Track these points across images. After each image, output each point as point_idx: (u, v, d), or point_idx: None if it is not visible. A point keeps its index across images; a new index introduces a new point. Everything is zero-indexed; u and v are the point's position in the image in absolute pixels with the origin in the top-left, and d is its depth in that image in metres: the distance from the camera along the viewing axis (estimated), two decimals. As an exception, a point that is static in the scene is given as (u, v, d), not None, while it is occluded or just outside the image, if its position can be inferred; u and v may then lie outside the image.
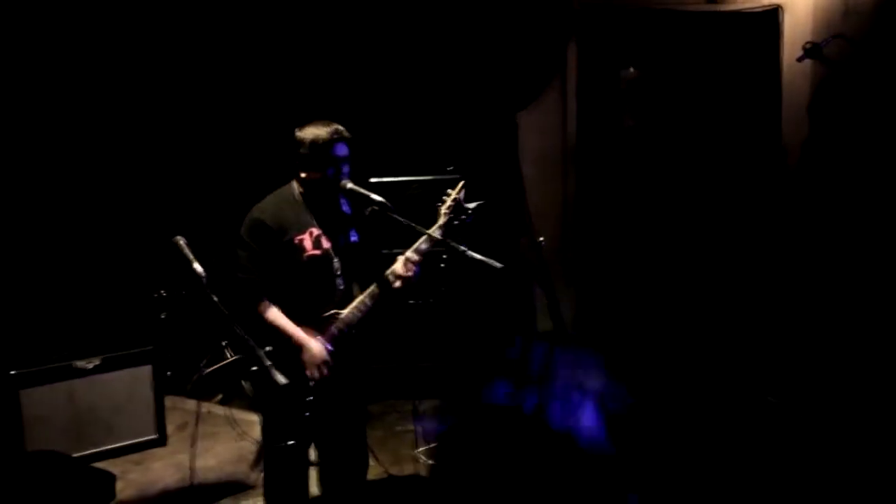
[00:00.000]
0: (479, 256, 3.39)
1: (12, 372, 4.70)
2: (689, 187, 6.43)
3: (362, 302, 3.64)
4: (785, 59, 6.13)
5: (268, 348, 3.26)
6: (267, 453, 3.85)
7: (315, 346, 3.58)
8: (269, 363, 2.78)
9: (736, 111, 6.35)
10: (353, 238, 3.76)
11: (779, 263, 6.11)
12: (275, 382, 2.75)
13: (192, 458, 3.97)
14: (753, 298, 6.19)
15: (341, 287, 3.69)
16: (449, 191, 3.69)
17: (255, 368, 2.87)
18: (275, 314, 3.58)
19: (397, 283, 3.62)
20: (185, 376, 6.05)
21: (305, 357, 3.57)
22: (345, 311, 3.64)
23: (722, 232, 6.37)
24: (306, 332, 3.60)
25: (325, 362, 3.58)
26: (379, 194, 3.56)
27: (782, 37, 6.13)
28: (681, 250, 6.46)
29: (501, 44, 6.29)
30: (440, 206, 3.67)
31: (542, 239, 6.02)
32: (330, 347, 3.60)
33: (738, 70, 6.33)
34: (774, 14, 6.16)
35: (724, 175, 6.38)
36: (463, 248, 3.46)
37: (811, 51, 5.37)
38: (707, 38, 6.35)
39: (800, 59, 5.49)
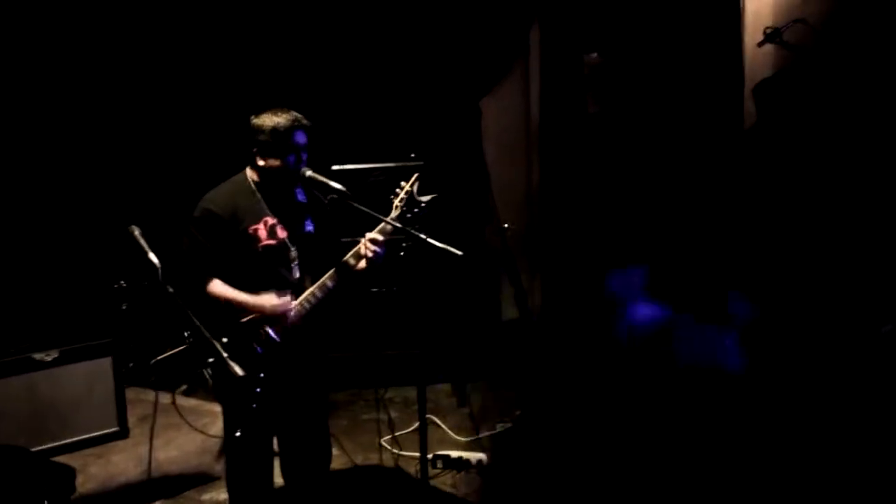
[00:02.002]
0: (439, 244, 3.37)
1: (-31, 366, 4.63)
2: (653, 173, 6.44)
3: (312, 294, 3.60)
4: (747, 44, 6.13)
5: (224, 339, 3.23)
6: (227, 445, 3.82)
7: (269, 299, 3.55)
8: (225, 355, 2.74)
9: (699, 96, 6.36)
10: (309, 227, 3.73)
11: (745, 245, 6.12)
12: (232, 374, 2.71)
13: (151, 450, 3.92)
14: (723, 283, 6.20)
15: (297, 276, 3.67)
16: (402, 183, 3.67)
17: (211, 360, 2.84)
18: (221, 288, 3.56)
19: (361, 264, 3.58)
20: (147, 368, 5.99)
21: (267, 313, 3.54)
22: (295, 303, 3.60)
23: (687, 217, 6.38)
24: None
25: (284, 308, 3.56)
26: (340, 182, 3.53)
27: (744, 21, 6.14)
28: (646, 234, 6.46)
29: (463, 28, 6.26)
30: (393, 198, 3.65)
31: (506, 226, 6.02)
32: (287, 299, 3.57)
33: (701, 55, 6.33)
34: (736, -1, 6.17)
35: (687, 160, 6.38)
36: (423, 235, 3.44)
37: (772, 35, 5.38)
38: (670, 22, 6.35)
39: (760, 44, 5.50)
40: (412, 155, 5.13)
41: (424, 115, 6.29)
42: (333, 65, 6.23)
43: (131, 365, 5.62)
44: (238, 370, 2.70)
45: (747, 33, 6.13)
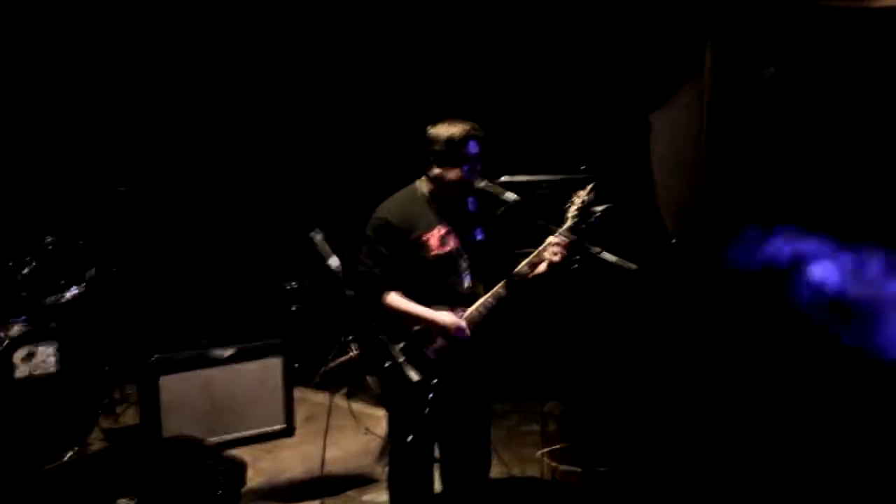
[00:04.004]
0: (613, 258, 3.32)
1: (153, 358, 4.89)
2: (832, 193, 6.16)
3: (487, 301, 3.61)
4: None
5: (401, 345, 3.27)
6: (393, 449, 3.88)
7: (445, 317, 3.57)
8: (402, 359, 2.79)
9: (884, 114, 6.04)
10: (480, 237, 3.74)
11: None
12: (406, 378, 2.76)
13: (324, 448, 4.04)
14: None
15: (469, 285, 3.68)
16: (579, 192, 3.63)
17: (387, 364, 2.89)
18: (397, 300, 3.58)
19: (537, 271, 3.56)
20: (312, 369, 6.18)
21: (439, 330, 3.56)
22: (469, 311, 3.63)
23: (865, 234, 6.06)
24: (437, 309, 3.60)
25: (459, 329, 3.56)
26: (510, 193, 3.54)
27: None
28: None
29: (637, 42, 6.18)
30: (568, 207, 3.61)
31: (673, 241, 5.89)
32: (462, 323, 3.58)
33: (887, 70, 6.01)
34: (927, 11, 5.85)
35: (870, 181, 6.07)
36: (597, 249, 3.39)
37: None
38: (852, 36, 6.07)
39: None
40: (582, 168, 5.08)
41: (595, 128, 6.23)
42: (507, 76, 6.28)
43: (297, 365, 5.78)
44: (414, 375, 2.75)
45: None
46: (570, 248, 3.52)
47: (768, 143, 6.30)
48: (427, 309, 3.58)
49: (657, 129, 6.37)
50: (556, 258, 3.51)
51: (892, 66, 6.00)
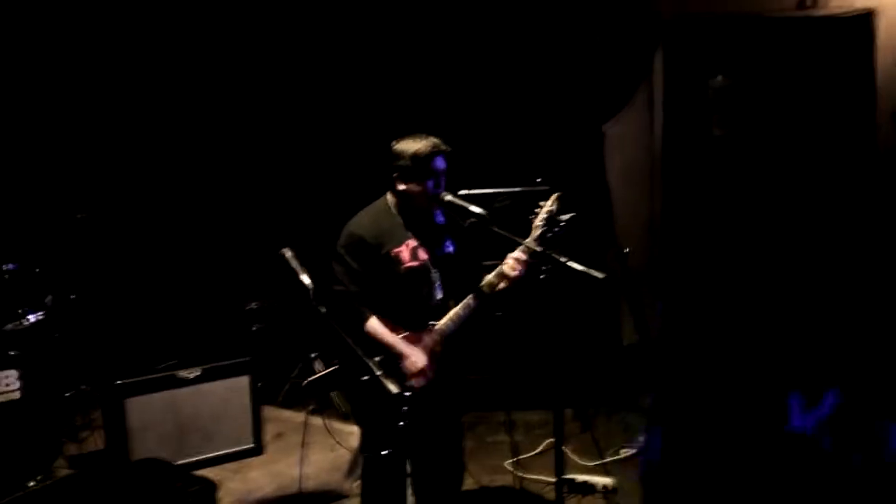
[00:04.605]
0: (580, 267, 3.36)
1: (118, 382, 4.84)
2: (779, 197, 6.32)
3: (457, 313, 3.66)
4: (879, 65, 6.01)
5: (377, 358, 3.29)
6: (366, 463, 3.89)
7: (415, 354, 3.63)
8: (380, 372, 2.81)
9: (828, 119, 6.23)
10: (450, 249, 3.79)
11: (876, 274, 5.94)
12: (385, 391, 2.78)
13: (301, 464, 4.04)
14: (850, 312, 6.01)
15: (439, 298, 3.73)
16: (542, 203, 3.68)
17: (365, 378, 2.90)
18: (374, 325, 3.63)
19: (503, 284, 3.61)
20: (275, 387, 6.16)
21: (406, 365, 3.61)
22: (440, 323, 3.67)
23: (815, 242, 6.23)
24: (409, 338, 3.64)
25: (425, 370, 3.62)
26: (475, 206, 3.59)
27: (876, 42, 6.02)
28: (772, 261, 6.34)
29: (588, 54, 6.28)
30: (533, 218, 3.66)
31: (627, 250, 5.99)
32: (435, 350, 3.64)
33: (830, 76, 6.20)
34: (867, 19, 6.04)
35: (816, 184, 6.24)
36: (563, 258, 3.44)
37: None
38: (797, 44, 6.25)
39: (896, 65, 5.38)
40: (538, 180, 5.15)
41: (549, 139, 6.31)
42: (461, 90, 6.33)
43: (260, 384, 5.76)
44: (393, 387, 2.77)
45: (880, 53, 6.01)
46: (537, 258, 3.57)
47: (724, 151, 6.46)
48: (400, 341, 3.64)
49: (611, 138, 6.48)
50: (523, 268, 3.57)
51: (833, 70, 6.19)
